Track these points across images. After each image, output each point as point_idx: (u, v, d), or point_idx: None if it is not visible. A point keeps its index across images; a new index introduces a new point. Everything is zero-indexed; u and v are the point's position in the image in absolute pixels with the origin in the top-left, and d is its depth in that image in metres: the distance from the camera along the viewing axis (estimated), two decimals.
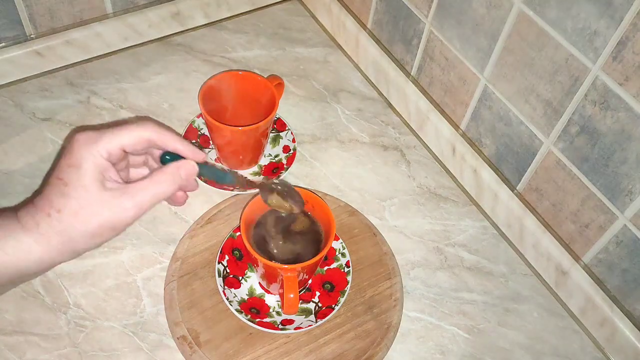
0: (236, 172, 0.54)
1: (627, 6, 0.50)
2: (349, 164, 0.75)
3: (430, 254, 0.68)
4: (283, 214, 0.60)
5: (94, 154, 0.43)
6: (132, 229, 0.66)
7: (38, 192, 0.45)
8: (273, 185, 0.56)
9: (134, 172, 0.51)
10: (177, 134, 0.49)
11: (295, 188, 0.58)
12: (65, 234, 0.43)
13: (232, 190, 0.68)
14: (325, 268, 0.63)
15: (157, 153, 0.50)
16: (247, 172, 0.72)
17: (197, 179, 0.51)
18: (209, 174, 0.51)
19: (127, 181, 0.48)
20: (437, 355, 0.61)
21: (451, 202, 0.73)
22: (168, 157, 0.49)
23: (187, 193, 0.51)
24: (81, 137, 0.44)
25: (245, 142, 0.68)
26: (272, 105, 0.67)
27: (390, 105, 0.83)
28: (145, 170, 0.51)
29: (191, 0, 0.85)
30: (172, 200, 0.50)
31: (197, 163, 0.48)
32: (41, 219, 0.42)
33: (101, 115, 0.76)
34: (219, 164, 0.71)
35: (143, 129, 0.46)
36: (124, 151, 0.46)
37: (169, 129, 0.48)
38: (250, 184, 0.55)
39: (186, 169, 0.47)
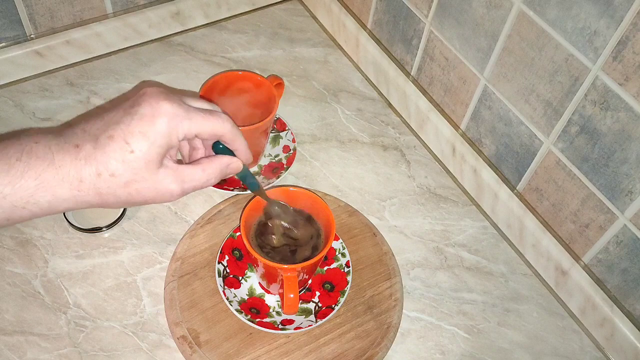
0: (262, 188, 0.56)
1: (627, 6, 0.50)
2: (349, 164, 0.75)
3: (430, 254, 0.68)
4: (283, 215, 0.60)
5: (172, 134, 0.42)
6: (132, 229, 0.66)
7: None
8: (275, 209, 0.58)
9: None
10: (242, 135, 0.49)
11: (297, 188, 0.58)
12: (104, 194, 0.42)
13: (232, 190, 0.68)
14: (325, 268, 0.63)
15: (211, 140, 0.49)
16: None
17: None
18: (245, 177, 0.53)
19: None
20: (437, 355, 0.61)
21: (451, 202, 0.73)
22: (221, 147, 0.49)
23: None
24: (168, 109, 0.42)
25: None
26: (272, 105, 0.67)
27: (390, 105, 0.83)
28: (184, 143, 0.50)
29: (191, 0, 0.85)
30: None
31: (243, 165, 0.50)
32: (88, 177, 0.41)
33: None
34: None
35: (222, 126, 0.45)
36: (195, 136, 0.45)
37: (239, 130, 0.48)
38: (264, 198, 0.57)
39: (233, 167, 0.48)
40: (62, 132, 0.43)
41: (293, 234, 0.59)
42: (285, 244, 0.59)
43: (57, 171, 0.40)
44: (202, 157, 0.48)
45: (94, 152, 0.41)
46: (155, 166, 0.42)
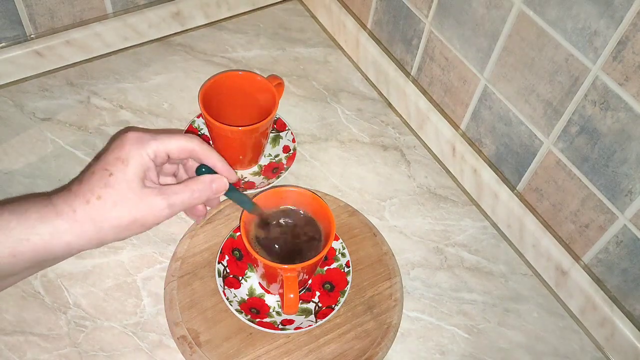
0: (256, 204, 0.57)
1: (627, 6, 0.50)
2: (349, 164, 0.75)
3: (430, 254, 0.68)
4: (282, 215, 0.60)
5: (142, 153, 0.46)
6: None
7: (74, 180, 0.48)
8: (270, 222, 0.59)
9: (162, 180, 0.53)
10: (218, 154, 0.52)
11: (295, 189, 0.58)
12: (99, 222, 0.45)
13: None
14: (325, 268, 0.63)
15: (193, 166, 0.53)
16: (247, 172, 0.72)
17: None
18: (234, 197, 0.54)
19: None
20: (437, 356, 0.61)
21: (451, 202, 0.73)
22: (204, 170, 0.51)
23: (207, 208, 0.54)
24: (133, 135, 0.47)
25: (245, 142, 0.68)
26: (272, 105, 0.67)
27: (390, 105, 0.83)
28: (172, 180, 0.54)
29: (191, 0, 0.85)
30: (192, 212, 0.53)
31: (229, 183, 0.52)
32: (79, 206, 0.44)
33: (101, 115, 0.76)
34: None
35: (190, 140, 0.49)
36: (168, 156, 0.49)
37: (211, 148, 0.51)
38: (261, 216, 0.58)
39: (219, 183, 0.50)
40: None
41: (293, 234, 0.59)
42: (285, 243, 0.59)
43: (54, 208, 0.44)
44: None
45: (81, 187, 0.46)
46: (136, 185, 0.46)
